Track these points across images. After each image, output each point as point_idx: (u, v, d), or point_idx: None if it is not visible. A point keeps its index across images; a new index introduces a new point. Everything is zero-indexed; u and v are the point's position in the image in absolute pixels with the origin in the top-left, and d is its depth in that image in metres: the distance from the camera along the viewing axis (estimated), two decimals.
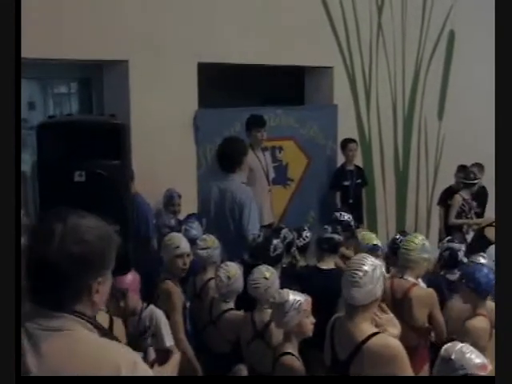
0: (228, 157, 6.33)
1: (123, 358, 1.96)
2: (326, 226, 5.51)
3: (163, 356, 2.24)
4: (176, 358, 2.27)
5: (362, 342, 3.49)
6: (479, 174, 8.80)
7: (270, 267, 4.68)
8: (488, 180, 8.48)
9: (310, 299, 4.01)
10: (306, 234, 5.84)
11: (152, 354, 2.25)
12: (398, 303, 4.75)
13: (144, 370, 1.99)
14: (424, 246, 4.90)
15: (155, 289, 5.11)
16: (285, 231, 5.64)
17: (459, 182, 8.87)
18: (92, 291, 2.00)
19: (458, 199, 8.65)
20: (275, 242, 5.25)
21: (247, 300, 4.66)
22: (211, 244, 5.38)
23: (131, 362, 1.96)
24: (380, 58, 9.23)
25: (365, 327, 3.56)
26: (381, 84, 9.28)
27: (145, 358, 2.23)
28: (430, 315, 4.77)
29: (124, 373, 1.91)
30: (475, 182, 8.62)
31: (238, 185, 6.29)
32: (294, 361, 3.93)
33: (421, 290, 4.86)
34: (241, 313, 4.84)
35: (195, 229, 5.98)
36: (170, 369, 2.23)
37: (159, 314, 4.50)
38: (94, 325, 2.02)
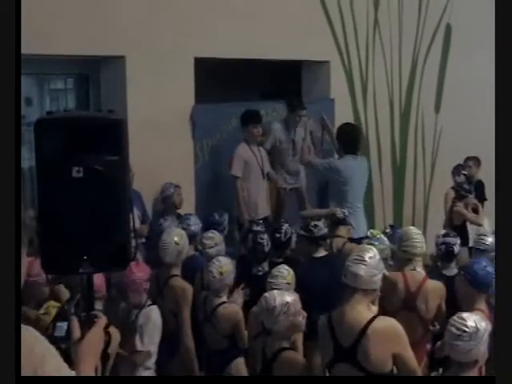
0: (351, 140, 7.34)
1: None
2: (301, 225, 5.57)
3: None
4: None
5: (365, 326, 3.61)
6: (475, 169, 8.72)
7: (291, 270, 4.69)
8: (486, 173, 8.47)
9: (297, 298, 4.02)
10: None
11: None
12: (412, 296, 4.77)
13: None
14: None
15: (163, 285, 5.12)
16: (285, 227, 5.67)
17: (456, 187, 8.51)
18: None
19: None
20: (278, 235, 5.34)
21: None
22: (218, 241, 5.46)
23: None
24: (377, 51, 9.22)
25: (365, 312, 3.70)
26: (378, 78, 9.27)
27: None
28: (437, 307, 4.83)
29: None
30: (467, 195, 8.24)
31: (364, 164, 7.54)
32: (294, 354, 3.94)
33: (434, 282, 4.92)
34: (234, 305, 4.87)
35: (193, 225, 5.98)
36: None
37: (155, 317, 4.57)
38: None
